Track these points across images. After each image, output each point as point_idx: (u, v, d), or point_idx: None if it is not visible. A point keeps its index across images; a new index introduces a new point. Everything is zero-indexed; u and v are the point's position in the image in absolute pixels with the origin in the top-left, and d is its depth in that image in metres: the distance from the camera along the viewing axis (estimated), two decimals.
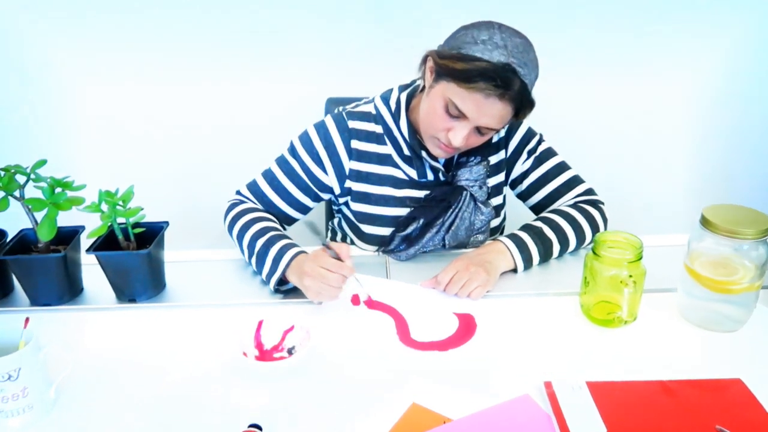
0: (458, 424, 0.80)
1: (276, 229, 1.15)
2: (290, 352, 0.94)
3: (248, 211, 1.20)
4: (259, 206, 1.24)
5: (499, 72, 0.99)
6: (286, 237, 1.14)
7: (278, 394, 0.86)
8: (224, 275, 1.18)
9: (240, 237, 1.16)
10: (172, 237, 1.14)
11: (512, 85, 1.00)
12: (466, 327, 0.99)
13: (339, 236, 1.38)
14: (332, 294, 1.01)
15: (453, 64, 1.01)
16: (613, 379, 0.87)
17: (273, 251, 1.09)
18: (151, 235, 1.09)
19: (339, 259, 1.01)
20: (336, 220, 1.39)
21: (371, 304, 1.06)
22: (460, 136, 1.06)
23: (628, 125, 1.90)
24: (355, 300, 1.07)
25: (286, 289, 1.10)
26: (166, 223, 1.12)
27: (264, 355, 0.93)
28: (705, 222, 0.95)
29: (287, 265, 1.06)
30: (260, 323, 0.94)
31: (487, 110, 1.02)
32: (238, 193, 1.27)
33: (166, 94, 1.79)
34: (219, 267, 1.20)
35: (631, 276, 0.93)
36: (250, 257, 1.13)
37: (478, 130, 1.07)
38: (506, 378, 0.88)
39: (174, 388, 0.87)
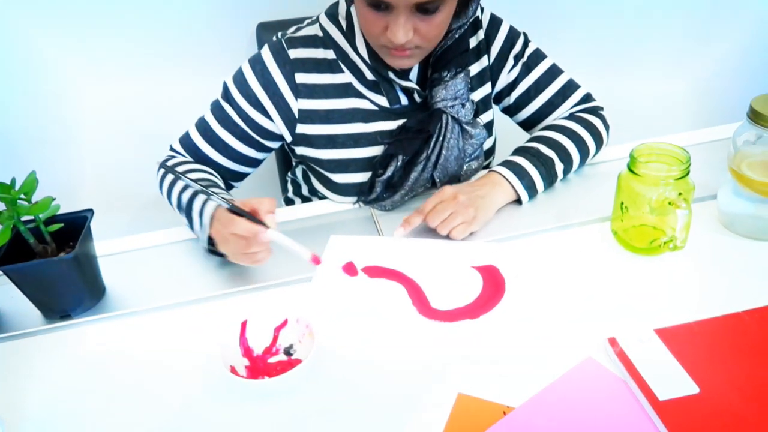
0: (522, 413, 0.65)
1: (206, 180, 0.97)
2: (288, 352, 0.75)
3: (179, 165, 1.00)
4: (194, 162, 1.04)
5: None
6: (218, 186, 0.98)
7: (287, 416, 0.67)
8: (182, 263, 0.94)
9: (169, 196, 0.98)
10: (102, 224, 0.90)
11: None
12: (493, 284, 0.82)
13: (305, 189, 1.16)
14: (254, 261, 0.84)
15: None
16: (678, 317, 0.74)
17: (196, 207, 0.91)
18: (72, 229, 0.84)
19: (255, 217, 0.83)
20: (299, 171, 1.17)
21: (371, 271, 0.87)
22: (399, 30, 0.85)
23: None
24: (350, 269, 0.87)
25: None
26: (90, 211, 0.87)
27: (256, 362, 0.74)
28: (755, 115, 0.80)
29: (210, 224, 0.88)
30: (244, 324, 0.74)
31: None
32: (171, 149, 1.05)
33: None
34: (172, 253, 0.97)
35: (681, 194, 0.78)
36: (178, 210, 0.97)
37: (421, 11, 0.85)
38: (558, 341, 0.73)
39: (145, 431, 0.68)
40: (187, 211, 0.92)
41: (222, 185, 1.01)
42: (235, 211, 0.83)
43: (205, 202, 0.89)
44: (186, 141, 1.04)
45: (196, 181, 0.88)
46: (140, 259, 0.96)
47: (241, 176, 1.06)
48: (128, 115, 1.46)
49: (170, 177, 0.99)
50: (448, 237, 0.91)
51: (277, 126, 1.00)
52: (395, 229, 0.93)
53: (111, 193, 1.48)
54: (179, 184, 0.96)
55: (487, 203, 0.95)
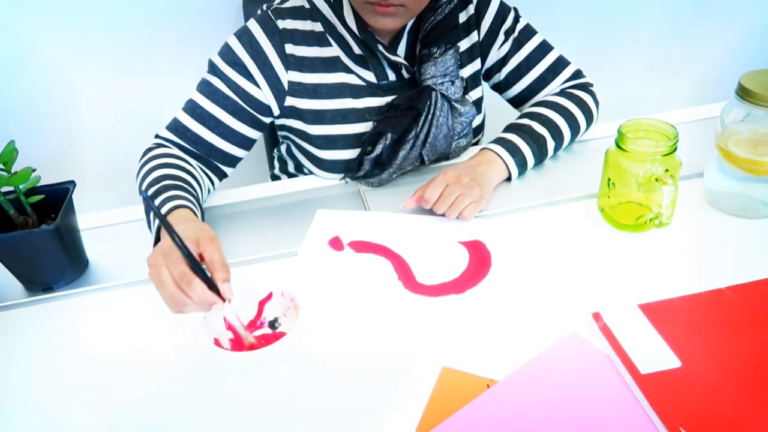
0: (505, 386, 0.66)
1: (175, 178, 0.88)
2: (273, 325, 0.75)
3: (157, 156, 0.93)
4: (177, 152, 0.96)
5: None
6: (180, 188, 0.86)
7: (271, 388, 0.67)
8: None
9: (139, 187, 0.90)
10: (86, 197, 0.89)
11: None
12: (479, 258, 0.82)
13: (291, 166, 1.15)
14: (171, 306, 0.69)
15: None
16: (661, 293, 0.74)
17: (156, 203, 0.83)
18: (54, 201, 0.83)
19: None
20: (284, 147, 1.16)
21: (357, 246, 0.86)
22: None
23: None
24: (336, 244, 0.87)
25: None
26: (72, 183, 0.86)
27: (239, 335, 0.73)
28: (743, 92, 0.80)
29: (159, 225, 0.80)
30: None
31: None
32: (157, 136, 0.99)
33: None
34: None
35: (667, 170, 0.78)
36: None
37: None
38: (543, 316, 0.73)
39: (131, 403, 0.67)
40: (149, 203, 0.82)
41: (197, 188, 0.93)
42: (191, 262, 0.68)
43: (162, 201, 0.82)
44: (174, 125, 0.97)
45: (174, 180, 0.85)
46: (123, 232, 0.96)
47: (233, 160, 1.01)
48: (113, 86, 1.43)
49: (145, 169, 0.91)
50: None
51: (266, 96, 0.97)
52: (404, 202, 0.92)
53: (94, 166, 1.46)
54: (153, 175, 0.88)
55: (487, 180, 0.94)
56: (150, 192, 0.85)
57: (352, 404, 0.65)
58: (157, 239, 0.80)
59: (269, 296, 0.75)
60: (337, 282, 0.81)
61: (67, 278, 0.85)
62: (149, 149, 0.96)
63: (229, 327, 0.72)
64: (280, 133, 1.10)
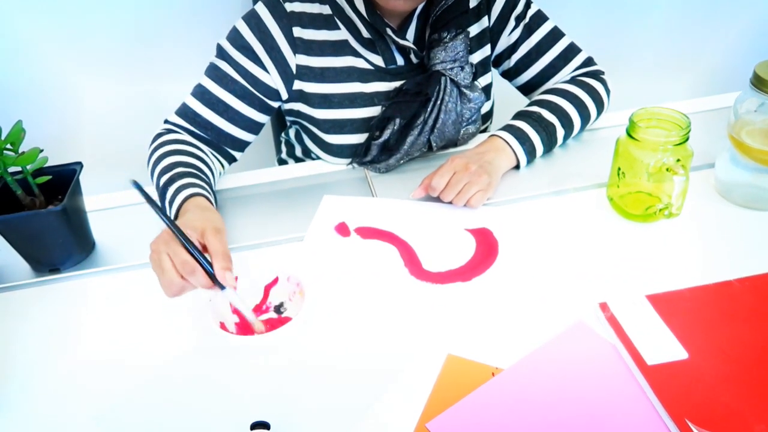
0: (511, 374, 0.65)
1: (188, 165, 0.88)
2: (278, 310, 0.75)
3: (168, 143, 0.93)
4: (188, 138, 0.95)
5: None
6: (193, 175, 0.87)
7: (277, 373, 0.68)
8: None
9: (151, 175, 0.91)
10: (93, 179, 0.88)
11: None
12: (486, 246, 0.82)
13: (299, 150, 1.15)
14: (168, 290, 0.70)
15: None
16: (669, 284, 0.74)
17: (170, 192, 0.84)
18: (60, 183, 0.83)
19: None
20: (292, 132, 1.15)
21: (364, 232, 0.86)
22: None
23: None
24: (343, 230, 0.87)
25: None
26: (79, 164, 0.86)
27: (245, 319, 0.73)
28: (758, 81, 0.79)
29: (178, 209, 0.81)
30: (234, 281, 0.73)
31: None
32: (167, 122, 0.98)
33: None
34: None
35: (679, 160, 0.78)
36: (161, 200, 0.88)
37: None
38: (550, 305, 0.73)
39: (137, 385, 0.67)
40: (162, 192, 0.86)
41: (209, 174, 0.93)
42: (192, 250, 0.68)
43: (177, 190, 0.83)
44: (184, 110, 0.97)
45: (187, 167, 0.85)
46: (130, 214, 0.95)
47: (242, 144, 1.00)
48: (120, 68, 1.43)
49: (156, 155, 0.91)
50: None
51: (274, 80, 0.96)
52: (412, 192, 0.93)
53: (101, 148, 1.46)
54: (163, 164, 0.89)
55: (495, 168, 0.93)
56: (163, 179, 0.86)
57: (358, 389, 0.65)
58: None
59: (275, 281, 0.75)
60: (343, 268, 0.80)
61: (74, 259, 0.85)
62: (159, 135, 0.96)
63: (235, 311, 0.72)
64: (288, 117, 1.10)
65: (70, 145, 1.48)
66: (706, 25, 1.70)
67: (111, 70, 1.43)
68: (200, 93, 0.96)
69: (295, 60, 0.96)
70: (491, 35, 1.04)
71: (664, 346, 0.66)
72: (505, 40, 1.05)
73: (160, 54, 1.42)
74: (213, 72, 0.96)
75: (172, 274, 0.68)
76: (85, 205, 0.87)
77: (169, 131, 0.96)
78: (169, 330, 0.74)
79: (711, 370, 0.64)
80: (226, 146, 0.98)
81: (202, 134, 0.96)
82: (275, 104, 1.00)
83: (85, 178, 0.86)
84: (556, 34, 1.05)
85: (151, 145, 0.95)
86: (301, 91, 0.99)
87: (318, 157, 1.07)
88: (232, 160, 1.01)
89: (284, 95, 0.99)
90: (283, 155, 1.22)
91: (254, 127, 1.00)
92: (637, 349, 0.66)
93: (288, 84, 0.98)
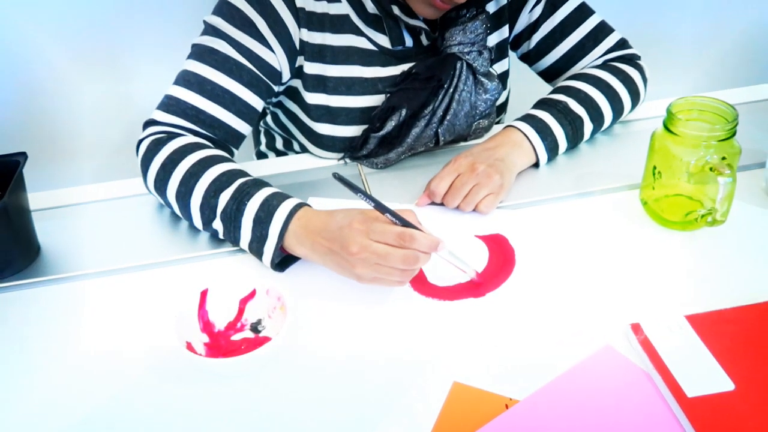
0: (527, 407, 0.66)
1: (241, 174, 0.86)
2: (255, 329, 0.75)
3: (186, 150, 0.87)
4: (200, 140, 0.91)
5: None
6: (263, 183, 0.85)
7: (253, 403, 0.67)
8: (132, 221, 0.94)
9: (180, 196, 0.86)
10: (39, 174, 0.88)
11: None
12: (501, 256, 0.82)
13: (279, 141, 1.15)
14: (402, 281, 0.76)
15: None
16: (713, 303, 0.75)
17: (251, 208, 0.81)
18: (2, 178, 0.83)
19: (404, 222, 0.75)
20: (270, 118, 1.14)
21: None
22: None
23: None
24: None
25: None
26: (23, 155, 0.86)
27: (217, 339, 0.73)
28: None
29: (284, 231, 0.80)
30: (204, 294, 0.74)
31: None
32: (151, 123, 0.93)
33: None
34: (122, 209, 0.96)
35: (724, 158, 0.78)
36: (208, 223, 0.85)
37: None
38: (573, 326, 0.74)
39: (86, 414, 0.67)
40: (232, 212, 0.82)
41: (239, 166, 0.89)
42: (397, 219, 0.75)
43: (265, 201, 0.81)
44: (171, 104, 0.91)
45: (244, 175, 0.85)
46: (82, 215, 0.96)
47: (239, 138, 0.97)
48: (77, 44, 1.43)
49: (184, 168, 0.85)
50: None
51: (279, 61, 0.94)
52: (417, 200, 0.93)
53: (50, 136, 1.46)
54: (207, 177, 0.84)
55: (508, 166, 0.93)
56: (222, 198, 0.83)
57: (348, 423, 0.65)
58: (279, 257, 0.81)
59: (252, 294, 0.75)
60: (333, 280, 0.81)
61: (15, 267, 0.86)
62: (159, 141, 0.89)
63: (204, 329, 0.73)
64: (268, 99, 1.08)
65: (14, 130, 1.48)
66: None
67: (68, 45, 1.43)
68: (190, 81, 0.91)
69: (299, 34, 0.95)
70: (510, 13, 1.05)
71: (707, 376, 0.67)
72: (525, 18, 1.06)
73: (123, 26, 1.42)
74: (209, 56, 0.92)
75: (400, 251, 0.72)
76: (29, 203, 0.88)
77: (171, 135, 0.90)
78: (126, 351, 0.74)
79: (761, 404, 0.64)
80: (232, 145, 0.96)
81: (209, 134, 0.92)
82: (277, 88, 0.99)
83: (29, 170, 0.86)
84: (584, 11, 1.06)
85: (150, 159, 0.89)
86: (300, 69, 0.98)
87: (303, 149, 1.07)
88: (230, 155, 0.97)
89: (286, 77, 0.97)
90: (262, 147, 1.22)
91: (252, 117, 0.96)
92: (675, 379, 0.67)
93: (292, 63, 0.97)
